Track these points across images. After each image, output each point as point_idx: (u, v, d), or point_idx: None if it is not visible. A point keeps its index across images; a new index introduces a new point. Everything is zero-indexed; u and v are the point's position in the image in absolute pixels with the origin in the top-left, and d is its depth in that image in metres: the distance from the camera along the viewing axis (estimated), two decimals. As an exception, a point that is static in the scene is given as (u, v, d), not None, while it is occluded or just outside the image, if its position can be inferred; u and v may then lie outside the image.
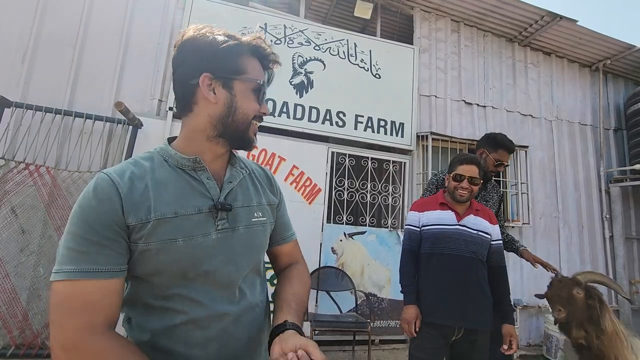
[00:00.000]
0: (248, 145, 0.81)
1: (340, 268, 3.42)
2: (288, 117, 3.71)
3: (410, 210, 1.96)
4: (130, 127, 3.07)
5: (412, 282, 1.83)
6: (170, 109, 3.35)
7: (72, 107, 3.16)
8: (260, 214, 0.84)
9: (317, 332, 2.72)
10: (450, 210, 1.83)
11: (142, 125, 3.13)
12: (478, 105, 4.46)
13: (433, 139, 4.00)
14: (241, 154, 0.92)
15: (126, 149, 3.04)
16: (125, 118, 2.95)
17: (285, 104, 3.72)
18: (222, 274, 0.75)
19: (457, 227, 1.78)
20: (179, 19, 3.64)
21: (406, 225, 1.93)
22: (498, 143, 2.22)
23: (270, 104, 3.67)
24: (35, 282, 2.74)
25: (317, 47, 3.96)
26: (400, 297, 3.48)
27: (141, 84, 3.44)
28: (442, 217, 1.82)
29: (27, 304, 2.70)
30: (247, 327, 0.79)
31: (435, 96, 4.31)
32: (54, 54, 3.26)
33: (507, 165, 2.26)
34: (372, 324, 2.91)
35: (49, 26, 3.29)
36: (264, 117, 0.82)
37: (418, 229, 1.86)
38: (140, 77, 3.45)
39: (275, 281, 0.97)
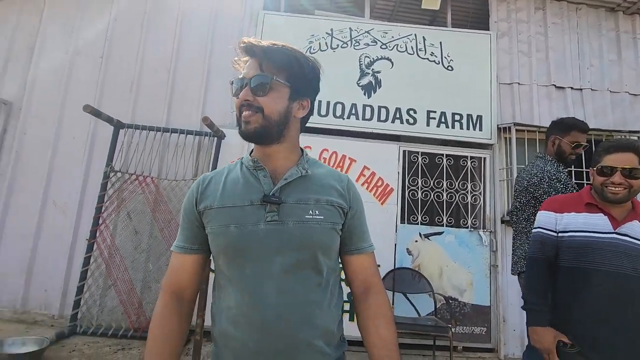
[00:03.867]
0: (239, 133, 0.86)
1: (416, 269, 3.32)
2: (357, 118, 3.73)
3: (541, 209, 1.56)
4: (215, 138, 3.41)
5: (544, 299, 1.47)
6: (248, 119, 3.63)
7: (169, 125, 3.64)
8: (317, 212, 0.84)
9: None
10: (601, 214, 1.40)
11: (224, 136, 3.45)
12: (572, 88, 3.93)
13: (517, 130, 3.64)
14: (315, 154, 0.97)
15: (212, 158, 3.39)
16: (211, 131, 3.29)
17: (353, 105, 3.75)
18: (268, 263, 0.80)
19: (615, 236, 1.35)
20: (252, 35, 3.93)
21: (537, 228, 1.53)
22: (569, 125, 2.00)
23: (338, 106, 3.75)
24: (146, 276, 3.22)
25: (383, 46, 3.91)
26: (486, 302, 3.27)
27: (222, 99, 3.79)
28: (590, 222, 1.40)
29: (141, 294, 3.18)
30: (292, 323, 0.79)
31: (518, 83, 3.91)
32: (153, 81, 3.79)
33: (586, 147, 1.98)
34: (453, 329, 2.76)
35: (149, 58, 3.84)
36: (247, 102, 0.83)
37: (554, 234, 1.47)
38: (221, 93, 3.81)
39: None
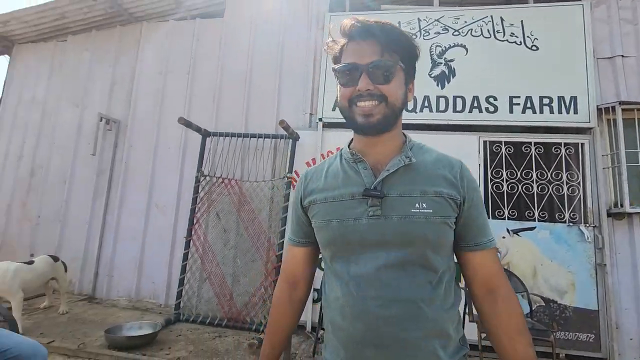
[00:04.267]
0: (355, 127, 0.81)
1: (506, 268, 3.08)
2: (430, 110, 3.60)
3: None
4: (290, 140, 3.57)
5: None
6: (320, 120, 3.73)
7: (247, 130, 3.90)
8: (424, 205, 0.76)
9: (484, 335, 2.52)
10: None
11: (299, 137, 3.59)
12: (697, 54, 3.30)
13: (624, 110, 3.17)
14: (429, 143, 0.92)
15: (288, 158, 3.54)
16: (286, 133, 3.45)
17: (426, 98, 3.63)
18: (371, 258, 0.77)
19: None
20: (320, 39, 4.03)
21: None
22: None
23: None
24: (235, 270, 3.49)
25: (456, 33, 3.72)
26: (592, 305, 2.90)
27: (295, 103, 3.96)
28: None
29: (231, 286, 3.46)
30: (396, 320, 0.74)
31: (622, 56, 3.41)
32: (232, 91, 4.11)
33: None
34: (554, 334, 2.50)
35: (228, 71, 4.17)
36: (368, 92, 0.76)
37: None
38: (293, 97, 3.97)
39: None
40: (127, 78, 4.44)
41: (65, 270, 3.38)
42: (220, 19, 4.33)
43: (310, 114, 3.91)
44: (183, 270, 3.49)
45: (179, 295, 3.44)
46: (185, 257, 3.51)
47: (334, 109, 3.77)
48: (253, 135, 3.69)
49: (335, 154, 0.93)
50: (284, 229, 3.34)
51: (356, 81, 0.77)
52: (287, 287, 0.96)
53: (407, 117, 3.65)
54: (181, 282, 3.46)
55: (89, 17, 4.45)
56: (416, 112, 3.63)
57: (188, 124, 3.50)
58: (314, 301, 3.32)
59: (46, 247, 4.09)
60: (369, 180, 0.80)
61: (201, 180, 3.67)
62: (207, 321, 3.30)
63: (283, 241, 3.31)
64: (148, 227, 3.99)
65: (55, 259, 3.29)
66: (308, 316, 3.28)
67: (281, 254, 3.30)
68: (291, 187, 3.49)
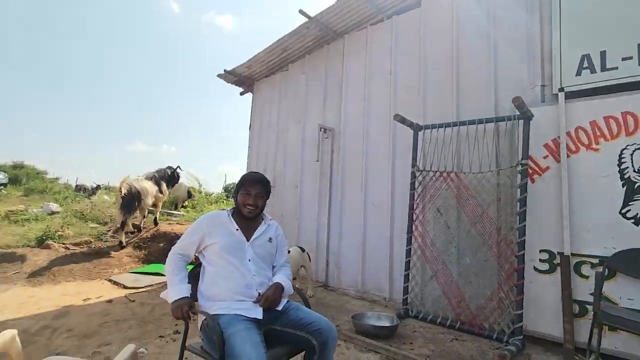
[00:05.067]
0: None
1: None
2: None
3: None
4: (522, 120, 3.01)
5: None
6: (561, 89, 2.99)
7: (460, 117, 3.58)
8: None
9: None
10: None
11: (532, 116, 2.99)
12: None
13: None
14: None
15: (522, 142, 2.99)
16: (518, 113, 2.93)
17: None
18: None
19: None
20: (542, -6, 3.27)
21: None
22: None
23: None
24: (463, 270, 3.22)
25: None
26: None
27: (517, 76, 3.35)
28: None
29: (462, 287, 3.20)
30: None
31: None
32: (437, 80, 3.87)
33: None
34: None
35: (430, 59, 3.97)
36: None
37: None
38: (514, 70, 3.37)
39: None
40: (336, 89, 4.92)
41: (309, 260, 3.98)
42: (417, 9, 4.19)
43: (542, 86, 3.21)
44: (407, 266, 3.49)
45: (406, 291, 3.46)
46: (408, 254, 3.51)
47: (578, 74, 2.96)
48: (471, 122, 3.32)
49: None
50: (524, 226, 2.83)
51: None
52: None
53: (614, 77, 2.61)
54: (406, 278, 3.47)
55: (303, 44, 5.20)
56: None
57: (402, 120, 3.51)
58: (576, 315, 2.66)
59: (288, 241, 4.98)
60: None
61: (417, 175, 3.60)
62: (438, 321, 3.16)
63: (524, 240, 2.81)
64: (367, 223, 4.25)
65: (302, 250, 3.93)
66: (560, 329, 2.64)
67: (523, 254, 2.80)
68: (527, 176, 2.94)
